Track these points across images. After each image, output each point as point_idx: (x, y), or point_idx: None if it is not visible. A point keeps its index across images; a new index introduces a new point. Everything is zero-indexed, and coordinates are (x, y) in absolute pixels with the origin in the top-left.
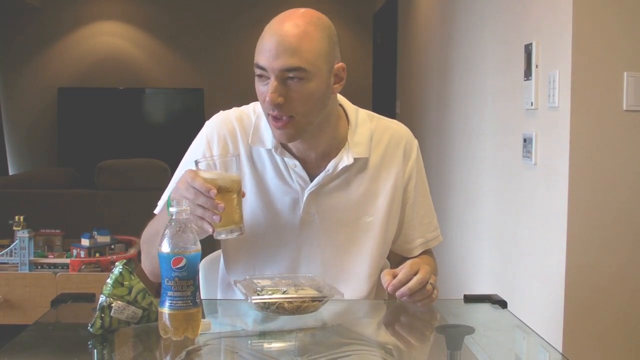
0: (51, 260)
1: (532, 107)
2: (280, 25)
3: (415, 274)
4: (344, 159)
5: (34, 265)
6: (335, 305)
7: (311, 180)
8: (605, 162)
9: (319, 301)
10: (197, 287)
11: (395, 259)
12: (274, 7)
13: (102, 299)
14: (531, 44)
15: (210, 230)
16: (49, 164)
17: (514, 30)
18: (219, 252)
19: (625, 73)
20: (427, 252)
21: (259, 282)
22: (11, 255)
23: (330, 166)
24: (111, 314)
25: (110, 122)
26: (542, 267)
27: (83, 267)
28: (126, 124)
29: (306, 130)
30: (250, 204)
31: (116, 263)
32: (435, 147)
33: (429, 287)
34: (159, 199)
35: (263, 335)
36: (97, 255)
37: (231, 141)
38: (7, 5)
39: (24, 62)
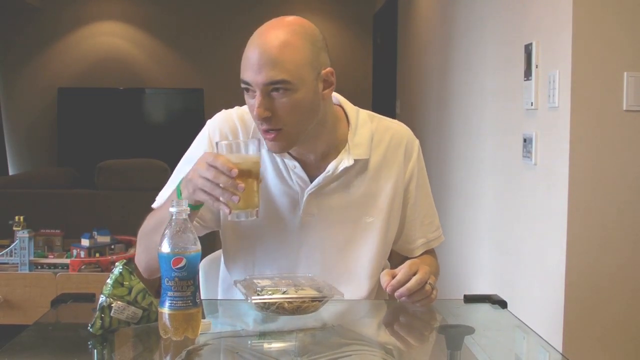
0: (51, 260)
1: (532, 107)
2: (260, 38)
3: (414, 274)
4: (344, 161)
5: (34, 266)
6: (335, 305)
7: (311, 181)
8: (605, 162)
9: (319, 301)
10: (197, 287)
11: (396, 259)
12: (274, 7)
13: (102, 299)
14: (531, 44)
15: (227, 211)
16: (49, 164)
17: (514, 30)
18: (219, 252)
19: (625, 73)
20: (429, 252)
21: (259, 282)
22: (11, 255)
23: (330, 167)
24: (111, 314)
25: (110, 122)
26: (542, 267)
27: (83, 267)
28: (126, 124)
29: (298, 140)
30: None
31: (116, 263)
32: (435, 147)
33: (427, 287)
34: None
35: (263, 335)
36: (97, 255)
37: (233, 139)
38: (7, 5)
39: (24, 62)
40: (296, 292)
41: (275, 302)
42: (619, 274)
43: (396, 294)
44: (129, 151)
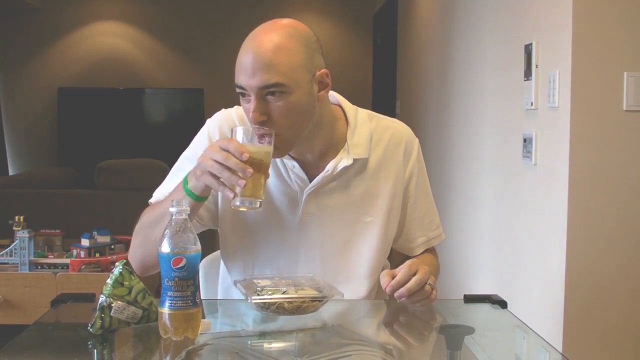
0: (51, 260)
1: (532, 107)
2: (254, 42)
3: (414, 274)
4: (343, 160)
5: (34, 265)
6: (335, 305)
7: (310, 181)
8: (605, 162)
9: (319, 301)
10: (197, 287)
11: (397, 258)
12: (274, 6)
13: (102, 299)
14: (531, 44)
15: (232, 196)
16: (49, 164)
17: (514, 30)
18: (219, 252)
19: (625, 73)
20: (430, 251)
21: (259, 282)
22: (11, 255)
23: (329, 167)
24: (111, 314)
25: (110, 122)
26: (542, 267)
27: (83, 267)
28: (126, 124)
29: (295, 142)
30: None
31: (116, 263)
32: (435, 147)
33: (427, 287)
34: None
35: (263, 335)
36: (97, 255)
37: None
38: (7, 5)
39: (24, 62)
40: (296, 292)
41: (275, 302)
42: (619, 274)
43: (396, 294)
44: (129, 151)
